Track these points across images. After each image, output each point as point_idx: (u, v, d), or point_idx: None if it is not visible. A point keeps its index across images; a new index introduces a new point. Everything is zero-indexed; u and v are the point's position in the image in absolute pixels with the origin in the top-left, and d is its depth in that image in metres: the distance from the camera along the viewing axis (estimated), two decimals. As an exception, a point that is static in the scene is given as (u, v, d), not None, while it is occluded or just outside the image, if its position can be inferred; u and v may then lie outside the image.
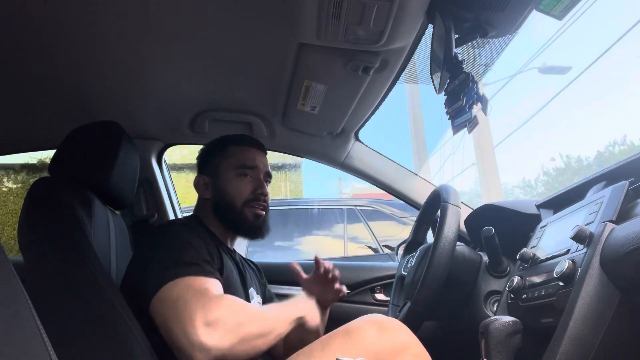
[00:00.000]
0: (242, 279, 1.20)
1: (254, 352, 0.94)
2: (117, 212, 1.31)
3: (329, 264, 1.23)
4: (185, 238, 1.05)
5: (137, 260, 1.09)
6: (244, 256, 1.39)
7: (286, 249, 3.68)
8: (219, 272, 1.07)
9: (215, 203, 1.22)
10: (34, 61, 1.17)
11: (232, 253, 1.24)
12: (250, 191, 1.22)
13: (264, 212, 1.23)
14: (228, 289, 1.06)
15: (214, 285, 0.97)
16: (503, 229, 1.20)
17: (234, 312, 0.92)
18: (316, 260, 1.22)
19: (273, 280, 1.63)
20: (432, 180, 1.81)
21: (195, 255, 1.01)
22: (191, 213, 1.28)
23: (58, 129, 1.27)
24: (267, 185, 1.28)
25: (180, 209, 1.86)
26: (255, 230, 1.24)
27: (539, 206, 1.30)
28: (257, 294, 1.28)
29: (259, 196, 1.22)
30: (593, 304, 0.79)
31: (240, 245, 3.16)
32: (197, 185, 1.26)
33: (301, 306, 1.08)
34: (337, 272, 1.24)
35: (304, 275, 1.24)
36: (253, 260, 1.44)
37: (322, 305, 1.18)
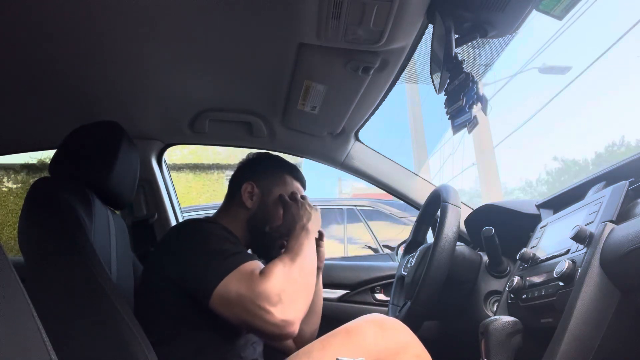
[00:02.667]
0: None
1: (313, 291, 1.05)
2: (117, 212, 1.31)
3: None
4: (218, 233, 1.08)
5: (167, 257, 1.08)
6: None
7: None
8: None
9: (255, 216, 1.23)
10: (34, 61, 1.17)
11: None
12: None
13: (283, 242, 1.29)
14: None
15: (258, 265, 1.00)
16: (503, 229, 1.20)
17: (285, 277, 0.97)
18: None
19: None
20: (432, 180, 1.81)
21: (234, 246, 1.05)
22: (192, 212, 1.28)
23: (58, 129, 1.27)
24: None
25: (180, 209, 1.86)
26: (272, 255, 1.24)
27: (539, 206, 1.30)
28: None
29: (289, 231, 1.25)
30: (593, 304, 0.79)
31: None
32: (244, 191, 1.24)
33: (305, 230, 1.13)
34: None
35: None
36: None
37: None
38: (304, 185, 1.34)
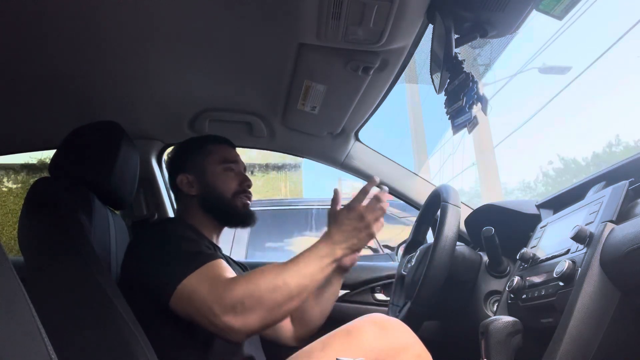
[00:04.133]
0: None
1: (289, 312, 0.97)
2: (117, 212, 1.31)
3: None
4: (181, 232, 1.08)
5: (137, 261, 1.09)
6: (245, 257, 1.40)
7: (286, 249, 3.68)
8: None
9: (203, 198, 1.25)
10: (34, 61, 1.17)
11: (217, 249, 1.26)
12: (238, 183, 1.27)
13: (250, 202, 1.30)
14: None
15: (222, 267, 1.00)
16: (503, 229, 1.20)
17: (250, 291, 0.92)
18: (335, 193, 1.12)
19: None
20: (432, 180, 1.81)
21: (195, 245, 1.04)
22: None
23: (58, 129, 1.27)
24: None
25: (180, 209, 1.86)
26: (246, 218, 1.28)
27: (539, 206, 1.30)
28: None
29: (246, 187, 1.28)
30: (593, 304, 0.79)
31: (241, 245, 3.16)
32: (180, 183, 1.26)
33: (331, 247, 1.00)
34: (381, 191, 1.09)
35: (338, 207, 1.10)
36: (251, 260, 1.45)
37: (341, 269, 1.27)
38: (229, 143, 1.35)
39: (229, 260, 1.30)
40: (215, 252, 1.07)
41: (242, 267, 1.41)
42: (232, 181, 1.27)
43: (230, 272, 1.02)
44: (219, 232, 1.30)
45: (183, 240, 1.05)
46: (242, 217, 1.28)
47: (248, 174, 1.36)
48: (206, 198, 1.25)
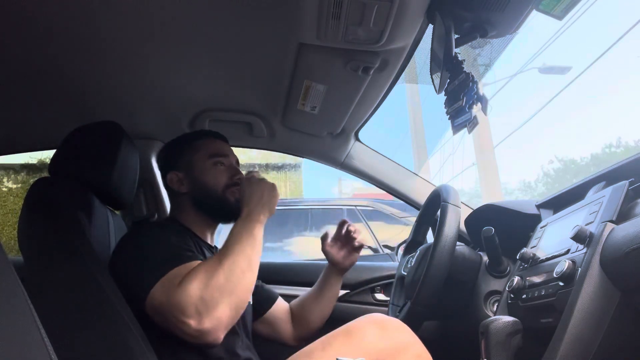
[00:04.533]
0: None
1: (250, 287, 1.00)
2: (117, 212, 1.31)
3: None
4: (160, 237, 1.06)
5: (118, 264, 1.07)
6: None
7: (286, 249, 3.68)
8: None
9: (194, 195, 1.23)
10: (34, 61, 1.17)
11: (212, 249, 1.25)
12: (228, 177, 1.25)
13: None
14: None
15: (188, 269, 0.97)
16: (503, 229, 1.20)
17: (202, 284, 0.92)
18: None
19: (273, 280, 1.63)
20: (432, 180, 1.81)
21: (172, 249, 1.02)
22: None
23: (58, 129, 1.27)
24: None
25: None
26: (238, 212, 1.23)
27: (539, 206, 1.30)
28: None
29: (237, 181, 1.25)
30: (593, 304, 0.79)
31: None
32: (170, 182, 1.25)
33: (249, 215, 1.07)
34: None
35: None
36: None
37: (340, 269, 1.40)
38: (216, 136, 1.32)
39: None
40: (193, 254, 1.04)
41: None
42: (222, 175, 1.24)
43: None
44: (213, 230, 1.28)
45: (160, 246, 1.03)
46: (235, 210, 1.23)
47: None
48: (196, 195, 1.23)
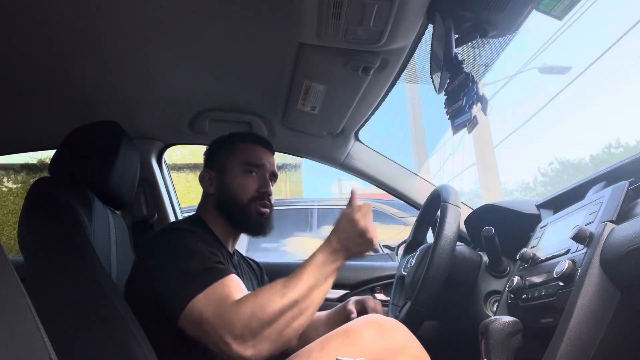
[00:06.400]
0: None
1: (300, 328, 0.94)
2: (117, 212, 1.31)
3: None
4: (190, 246, 1.03)
5: (144, 269, 1.06)
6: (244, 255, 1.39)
7: (286, 249, 3.67)
8: None
9: (219, 198, 1.22)
10: (34, 61, 1.17)
11: (231, 257, 1.23)
12: (256, 189, 1.21)
13: (268, 210, 1.23)
14: None
15: (231, 285, 0.96)
16: (503, 229, 1.20)
17: (257, 314, 0.90)
18: (352, 194, 1.07)
19: (273, 280, 1.62)
20: (432, 180, 1.81)
21: (205, 260, 1.00)
22: (193, 212, 1.28)
23: (58, 129, 1.27)
24: (272, 185, 1.26)
25: (180, 209, 1.86)
26: (258, 227, 1.23)
27: (539, 206, 1.30)
28: None
29: (263, 195, 1.21)
30: (593, 304, 0.79)
31: (240, 246, 3.16)
32: (202, 179, 1.25)
33: (334, 254, 1.00)
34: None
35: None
36: (257, 259, 1.45)
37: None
38: (259, 142, 1.27)
39: (243, 261, 1.27)
40: (226, 268, 1.01)
41: (257, 266, 1.40)
42: (250, 185, 1.20)
43: (240, 290, 0.97)
44: (235, 236, 1.25)
45: (192, 255, 1.00)
46: (254, 225, 1.22)
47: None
48: (221, 198, 1.21)
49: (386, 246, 3.60)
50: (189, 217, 1.28)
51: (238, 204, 1.20)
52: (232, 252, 1.26)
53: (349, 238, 1.01)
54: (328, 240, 1.02)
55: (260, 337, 0.90)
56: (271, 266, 1.73)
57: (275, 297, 0.93)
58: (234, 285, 0.98)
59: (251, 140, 1.28)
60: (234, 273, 1.01)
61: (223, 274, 0.98)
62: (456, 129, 1.01)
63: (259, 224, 1.22)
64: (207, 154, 1.31)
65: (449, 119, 1.04)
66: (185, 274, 0.97)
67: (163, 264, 1.02)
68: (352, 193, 1.06)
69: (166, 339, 0.99)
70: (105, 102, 1.41)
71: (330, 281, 0.99)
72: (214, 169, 1.25)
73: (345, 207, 1.05)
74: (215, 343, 0.91)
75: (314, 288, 0.96)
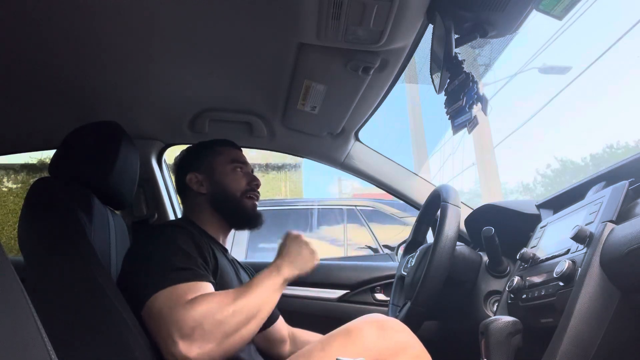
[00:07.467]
0: (238, 277, 1.21)
1: (247, 337, 0.97)
2: (117, 212, 1.31)
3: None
4: (177, 242, 1.05)
5: (130, 262, 1.09)
6: (245, 257, 1.40)
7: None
8: (214, 272, 1.09)
9: (213, 196, 1.26)
10: (34, 61, 1.17)
11: (225, 252, 1.26)
12: (247, 182, 1.29)
13: (257, 202, 1.31)
14: (223, 287, 1.06)
15: (198, 289, 0.96)
16: (503, 229, 1.20)
17: (209, 314, 0.91)
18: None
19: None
20: (432, 180, 1.81)
21: (187, 260, 1.01)
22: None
23: (58, 129, 1.27)
24: None
25: (180, 209, 1.86)
26: (254, 219, 1.30)
27: (539, 206, 1.30)
28: None
29: (254, 187, 1.30)
30: (593, 304, 0.79)
31: (240, 246, 3.16)
32: (190, 182, 1.28)
33: (279, 268, 1.07)
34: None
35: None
36: (252, 260, 1.45)
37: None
38: (235, 146, 1.37)
39: (234, 263, 1.28)
40: (205, 274, 1.02)
41: (248, 271, 1.40)
42: (241, 180, 1.29)
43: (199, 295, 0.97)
44: (225, 232, 1.30)
45: (175, 252, 1.02)
46: (249, 218, 1.29)
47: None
48: (216, 196, 1.26)
49: (386, 246, 3.61)
50: (179, 218, 1.30)
51: (233, 198, 1.26)
52: (225, 248, 1.28)
53: (293, 254, 1.11)
54: (276, 258, 1.11)
55: (209, 338, 0.90)
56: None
57: (228, 301, 0.95)
58: (204, 290, 0.98)
59: (228, 143, 1.37)
60: (211, 282, 1.02)
61: (201, 278, 0.99)
62: (456, 129, 1.01)
63: (253, 216, 1.29)
64: (185, 160, 1.34)
65: (449, 119, 1.04)
66: (163, 266, 0.98)
67: (147, 254, 1.04)
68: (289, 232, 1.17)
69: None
70: (105, 102, 1.41)
71: (278, 295, 1.05)
72: (201, 171, 1.29)
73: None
74: (163, 340, 0.91)
75: (262, 298, 1.00)
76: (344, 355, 0.94)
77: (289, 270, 1.08)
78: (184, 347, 0.88)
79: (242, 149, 1.40)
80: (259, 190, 1.32)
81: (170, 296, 0.93)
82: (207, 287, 0.99)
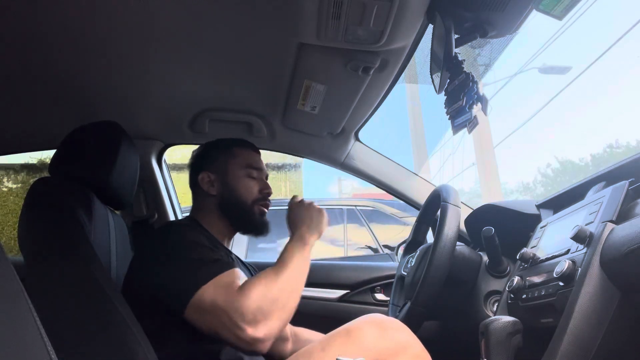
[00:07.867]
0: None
1: (295, 307, 1.02)
2: (117, 212, 1.31)
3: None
4: (196, 239, 1.06)
5: (148, 265, 1.06)
6: (245, 257, 1.40)
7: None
8: None
9: (222, 200, 1.24)
10: (34, 61, 1.17)
11: (229, 254, 1.24)
12: (259, 190, 1.26)
13: (267, 210, 1.29)
14: None
15: (237, 277, 0.99)
16: (503, 229, 1.20)
17: (263, 295, 0.95)
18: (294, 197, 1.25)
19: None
20: (432, 180, 1.81)
21: (210, 252, 1.03)
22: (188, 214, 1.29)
23: (58, 129, 1.27)
24: None
25: (180, 209, 1.87)
26: (262, 226, 1.28)
27: (539, 206, 1.30)
28: None
29: (266, 195, 1.27)
30: (593, 304, 0.79)
31: (240, 246, 3.16)
32: (201, 181, 1.25)
33: (302, 238, 1.11)
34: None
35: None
36: (258, 260, 1.45)
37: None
38: (254, 149, 1.34)
39: (239, 262, 1.29)
40: (232, 261, 1.06)
41: (251, 269, 1.41)
42: (253, 187, 1.26)
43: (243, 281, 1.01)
44: (231, 236, 1.29)
45: (197, 247, 1.03)
46: (257, 225, 1.27)
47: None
48: (225, 199, 1.24)
49: (386, 246, 3.61)
50: (185, 218, 1.29)
51: (243, 205, 1.24)
52: (229, 250, 1.27)
53: (307, 220, 1.14)
54: (294, 230, 1.14)
55: (270, 316, 0.94)
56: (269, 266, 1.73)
57: (272, 279, 0.99)
58: (240, 277, 1.00)
59: (247, 146, 1.33)
60: (237, 267, 1.04)
61: (230, 266, 1.01)
62: (456, 129, 1.01)
63: (261, 224, 1.27)
64: (201, 157, 1.32)
65: (449, 119, 1.04)
66: (191, 263, 0.99)
67: (166, 256, 1.03)
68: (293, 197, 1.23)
69: (164, 334, 0.99)
70: (105, 102, 1.41)
71: (308, 263, 1.09)
72: (213, 171, 1.26)
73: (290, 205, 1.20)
74: (227, 329, 0.92)
75: (298, 270, 1.05)
76: (344, 355, 0.94)
77: (311, 237, 1.12)
78: (251, 330, 0.91)
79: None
80: (269, 199, 1.29)
81: (217, 287, 0.95)
82: (240, 272, 1.02)
